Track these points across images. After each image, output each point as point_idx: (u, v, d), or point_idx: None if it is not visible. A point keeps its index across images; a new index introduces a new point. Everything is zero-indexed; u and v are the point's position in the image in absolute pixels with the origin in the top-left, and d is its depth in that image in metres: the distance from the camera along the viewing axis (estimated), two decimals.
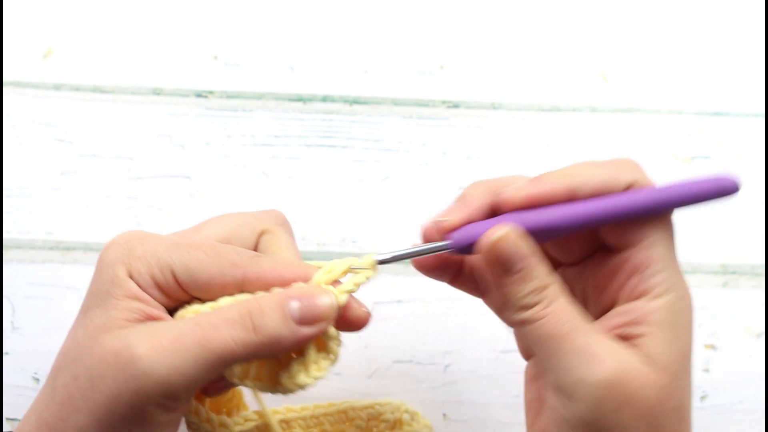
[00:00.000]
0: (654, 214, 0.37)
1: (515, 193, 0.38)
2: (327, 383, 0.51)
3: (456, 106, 0.60)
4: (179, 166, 0.58)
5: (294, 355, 0.38)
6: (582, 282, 0.41)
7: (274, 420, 0.46)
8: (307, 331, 0.37)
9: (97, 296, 0.38)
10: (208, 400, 0.43)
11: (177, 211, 0.57)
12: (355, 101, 0.60)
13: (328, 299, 0.37)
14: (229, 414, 0.45)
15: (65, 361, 0.37)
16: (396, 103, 0.60)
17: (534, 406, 0.42)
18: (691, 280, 0.57)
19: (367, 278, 0.39)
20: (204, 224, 0.42)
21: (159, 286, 0.38)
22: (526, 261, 0.37)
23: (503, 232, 0.37)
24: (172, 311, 0.39)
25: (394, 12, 0.61)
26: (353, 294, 0.39)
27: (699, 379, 0.56)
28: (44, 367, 0.54)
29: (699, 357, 0.56)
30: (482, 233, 0.37)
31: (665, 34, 0.62)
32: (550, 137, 0.59)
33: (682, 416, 0.36)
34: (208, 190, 0.58)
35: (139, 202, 0.57)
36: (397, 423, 0.51)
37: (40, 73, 0.59)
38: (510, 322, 0.38)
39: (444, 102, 0.60)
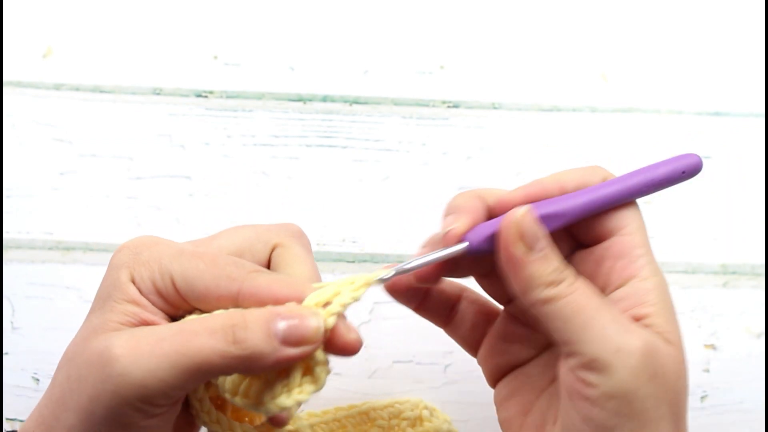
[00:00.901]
0: (637, 197, 0.40)
1: (513, 193, 0.40)
2: (327, 384, 0.51)
3: (456, 106, 0.60)
4: (179, 166, 0.58)
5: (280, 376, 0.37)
6: None
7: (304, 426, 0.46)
8: (290, 352, 0.36)
9: (99, 299, 0.38)
10: (230, 408, 0.43)
11: (177, 211, 0.58)
12: (355, 101, 0.60)
13: (315, 322, 0.36)
14: (251, 422, 0.44)
15: (63, 360, 0.38)
16: (396, 103, 0.60)
17: (515, 422, 0.42)
18: (691, 280, 0.57)
19: (354, 299, 0.38)
20: (218, 235, 0.42)
21: (159, 293, 0.38)
22: (547, 240, 0.38)
23: (525, 209, 0.38)
24: (175, 320, 0.39)
25: (394, 12, 0.61)
26: (344, 318, 0.38)
27: (699, 379, 0.56)
28: (44, 367, 0.54)
29: (699, 357, 0.56)
30: (495, 226, 0.38)
31: (665, 34, 0.62)
32: (550, 137, 0.60)
33: (687, 396, 0.38)
34: (208, 190, 0.58)
35: (139, 202, 0.57)
36: (418, 420, 0.52)
37: (40, 73, 0.59)
38: (533, 302, 0.38)
39: (444, 102, 0.60)
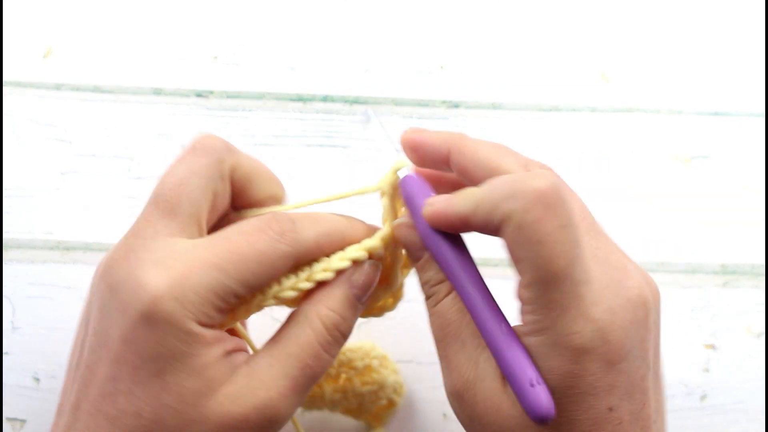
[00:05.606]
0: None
1: (431, 206, 0.40)
2: None
3: (456, 106, 0.60)
4: None
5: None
6: None
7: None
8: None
9: (172, 359, 0.35)
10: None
11: None
12: (355, 101, 0.60)
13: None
14: None
15: (165, 429, 0.35)
16: (396, 103, 0.60)
17: None
18: (691, 280, 0.57)
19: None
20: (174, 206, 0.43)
21: (224, 311, 0.37)
22: (423, 253, 0.40)
23: (400, 221, 0.42)
24: None
25: (394, 12, 0.61)
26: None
27: (699, 379, 0.56)
28: (44, 367, 0.54)
29: (699, 357, 0.56)
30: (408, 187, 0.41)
31: (665, 34, 0.62)
32: (550, 137, 0.60)
33: None
34: None
35: (139, 202, 0.57)
36: (366, 369, 0.52)
37: (40, 73, 0.59)
38: None
39: (444, 102, 0.60)
